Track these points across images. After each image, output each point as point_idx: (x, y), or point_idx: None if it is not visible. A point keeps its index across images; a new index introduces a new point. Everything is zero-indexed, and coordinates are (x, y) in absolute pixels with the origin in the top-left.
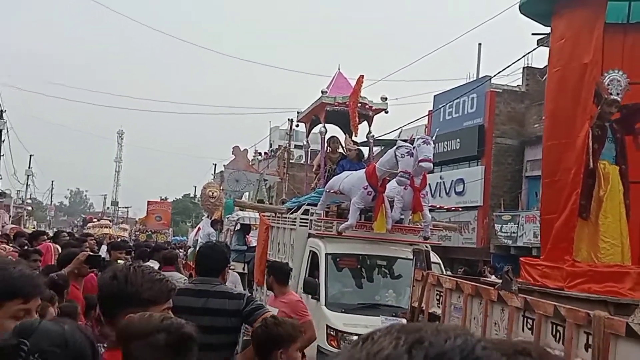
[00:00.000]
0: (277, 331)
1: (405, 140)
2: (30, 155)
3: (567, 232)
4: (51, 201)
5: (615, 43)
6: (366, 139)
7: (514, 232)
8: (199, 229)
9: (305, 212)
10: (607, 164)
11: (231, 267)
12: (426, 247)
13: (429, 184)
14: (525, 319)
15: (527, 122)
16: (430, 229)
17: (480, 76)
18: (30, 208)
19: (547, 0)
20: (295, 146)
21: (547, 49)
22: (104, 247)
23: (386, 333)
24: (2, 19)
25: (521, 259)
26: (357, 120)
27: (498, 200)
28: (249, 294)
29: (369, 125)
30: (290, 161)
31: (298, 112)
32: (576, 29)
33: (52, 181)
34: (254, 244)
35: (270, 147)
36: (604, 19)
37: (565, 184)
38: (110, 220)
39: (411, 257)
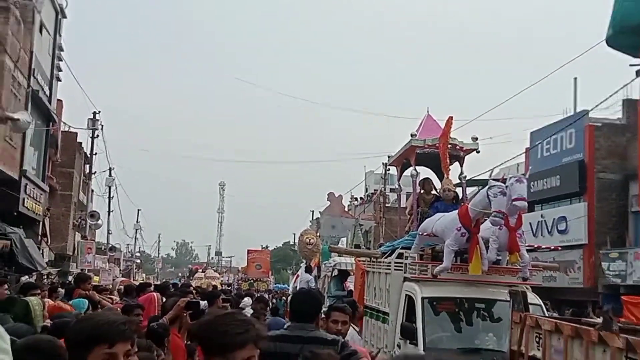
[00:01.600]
0: None
1: (497, 180)
2: (138, 210)
3: None
4: (158, 253)
5: None
6: (458, 180)
7: (622, 271)
8: (298, 276)
9: (400, 255)
10: None
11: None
12: (526, 287)
13: (530, 223)
14: (628, 359)
15: (629, 156)
16: (529, 269)
17: (577, 110)
18: (139, 261)
19: (634, 32)
20: (391, 190)
21: None
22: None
23: None
24: (109, 77)
25: (623, 297)
26: (448, 161)
27: (604, 237)
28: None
29: (461, 166)
30: (386, 205)
31: (389, 156)
32: None
33: (159, 234)
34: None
35: (366, 191)
36: None
37: None
38: (215, 270)
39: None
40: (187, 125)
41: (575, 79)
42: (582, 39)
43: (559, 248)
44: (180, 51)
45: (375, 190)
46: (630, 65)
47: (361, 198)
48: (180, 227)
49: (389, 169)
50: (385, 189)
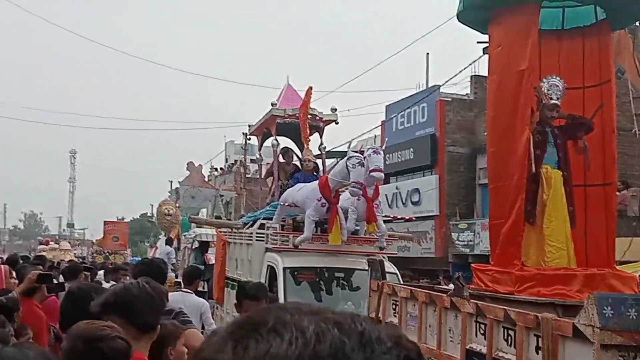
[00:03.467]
0: (160, 332)
1: (355, 151)
2: None
3: (514, 237)
4: (5, 225)
5: (551, 49)
6: (318, 151)
7: (470, 241)
8: (156, 248)
9: (261, 226)
10: (549, 168)
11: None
12: (383, 257)
13: (386, 195)
14: (477, 324)
15: (477, 130)
16: (386, 239)
17: (429, 85)
18: None
19: (483, 8)
20: (251, 160)
21: None
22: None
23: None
24: None
25: (472, 265)
26: (308, 131)
27: (453, 209)
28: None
29: (320, 137)
30: (247, 176)
31: (249, 125)
32: (511, 36)
33: (5, 204)
34: (214, 262)
35: (226, 162)
36: (538, 26)
37: (510, 189)
38: (68, 243)
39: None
40: (36, 87)
41: (428, 54)
42: (436, 14)
43: (413, 218)
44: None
45: (235, 160)
46: (478, 42)
47: (221, 168)
48: (28, 197)
49: (249, 139)
50: (245, 159)
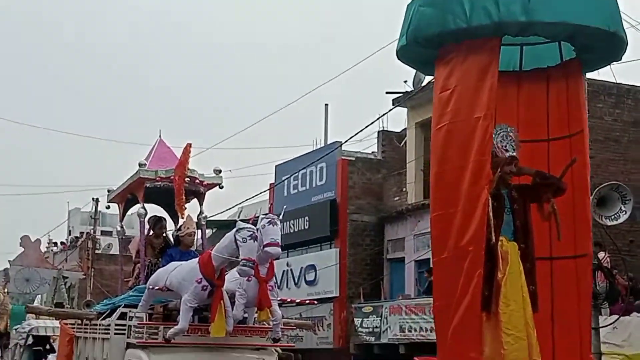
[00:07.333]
0: None
1: (246, 221)
2: None
3: (470, 324)
4: None
5: (507, 94)
6: (197, 221)
7: (376, 327)
8: None
9: (122, 316)
10: (504, 241)
11: None
12: (275, 350)
13: (275, 273)
14: None
15: (385, 195)
16: (281, 328)
17: (329, 142)
18: None
19: (430, 44)
20: (102, 232)
21: (404, 109)
22: None
23: None
24: None
25: (415, 358)
26: (184, 198)
27: (357, 289)
28: None
29: (200, 204)
30: (97, 251)
31: (109, 190)
32: (465, 77)
33: None
34: None
35: (70, 234)
36: (498, 64)
37: (457, 261)
38: None
39: None
40: None
41: (327, 105)
42: (338, 61)
43: (315, 302)
44: None
45: (81, 232)
46: (387, 93)
47: (62, 243)
48: None
49: (108, 206)
50: (95, 231)
